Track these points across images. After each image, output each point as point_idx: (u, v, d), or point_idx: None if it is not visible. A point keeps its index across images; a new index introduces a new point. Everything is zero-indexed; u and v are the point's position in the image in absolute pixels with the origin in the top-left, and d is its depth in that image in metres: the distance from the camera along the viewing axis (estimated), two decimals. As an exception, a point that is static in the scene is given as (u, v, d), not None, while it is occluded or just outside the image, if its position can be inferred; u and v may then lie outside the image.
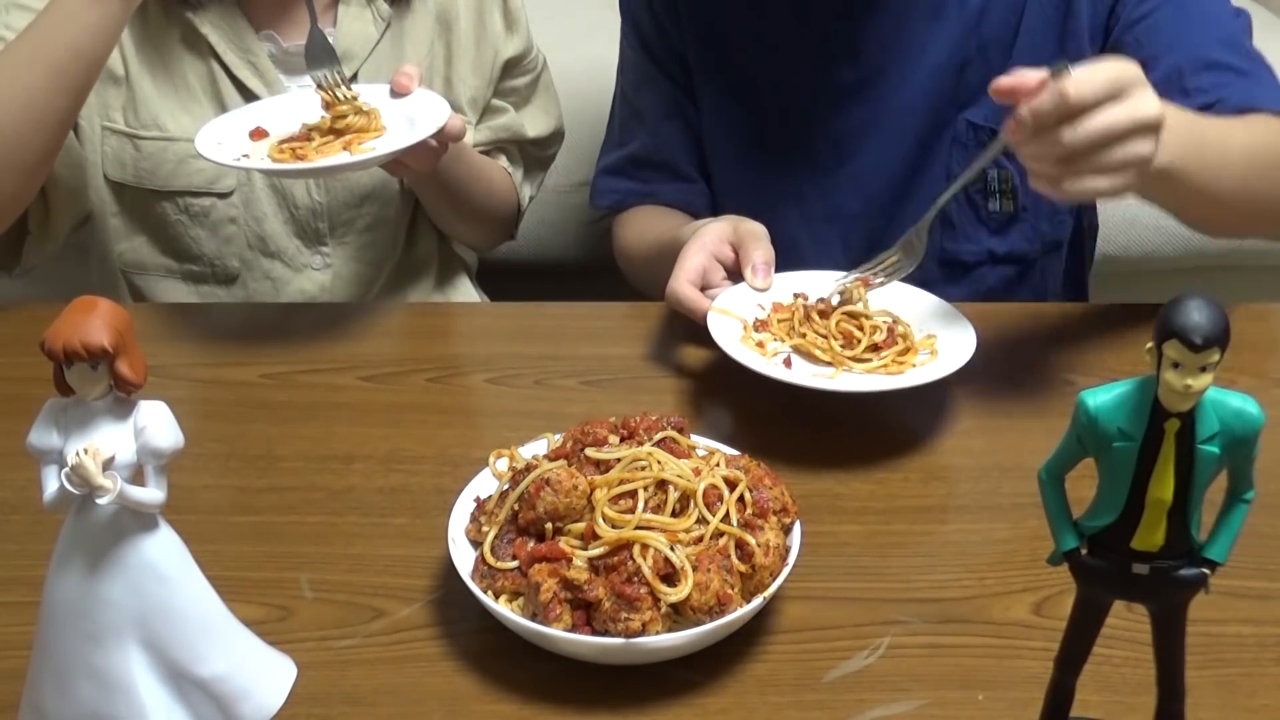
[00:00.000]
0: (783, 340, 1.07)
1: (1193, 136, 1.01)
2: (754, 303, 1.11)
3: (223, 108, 1.30)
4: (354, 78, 1.31)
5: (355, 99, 1.18)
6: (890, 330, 1.07)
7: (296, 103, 1.23)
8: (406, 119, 1.18)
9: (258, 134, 1.18)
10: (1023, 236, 1.32)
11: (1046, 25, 1.26)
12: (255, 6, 1.31)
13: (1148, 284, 1.87)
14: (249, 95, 1.30)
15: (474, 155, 1.38)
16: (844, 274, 1.13)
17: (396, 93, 1.20)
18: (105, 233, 1.35)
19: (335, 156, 1.13)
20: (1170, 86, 1.18)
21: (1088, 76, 0.88)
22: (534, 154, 1.50)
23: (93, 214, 1.35)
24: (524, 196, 1.49)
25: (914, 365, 1.04)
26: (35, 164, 1.16)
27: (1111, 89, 0.89)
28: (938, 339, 1.07)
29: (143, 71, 1.29)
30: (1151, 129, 0.90)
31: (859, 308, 1.09)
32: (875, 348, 1.05)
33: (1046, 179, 0.93)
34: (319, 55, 1.20)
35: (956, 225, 1.32)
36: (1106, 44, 1.25)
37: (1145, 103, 0.90)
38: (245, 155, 1.14)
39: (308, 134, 1.17)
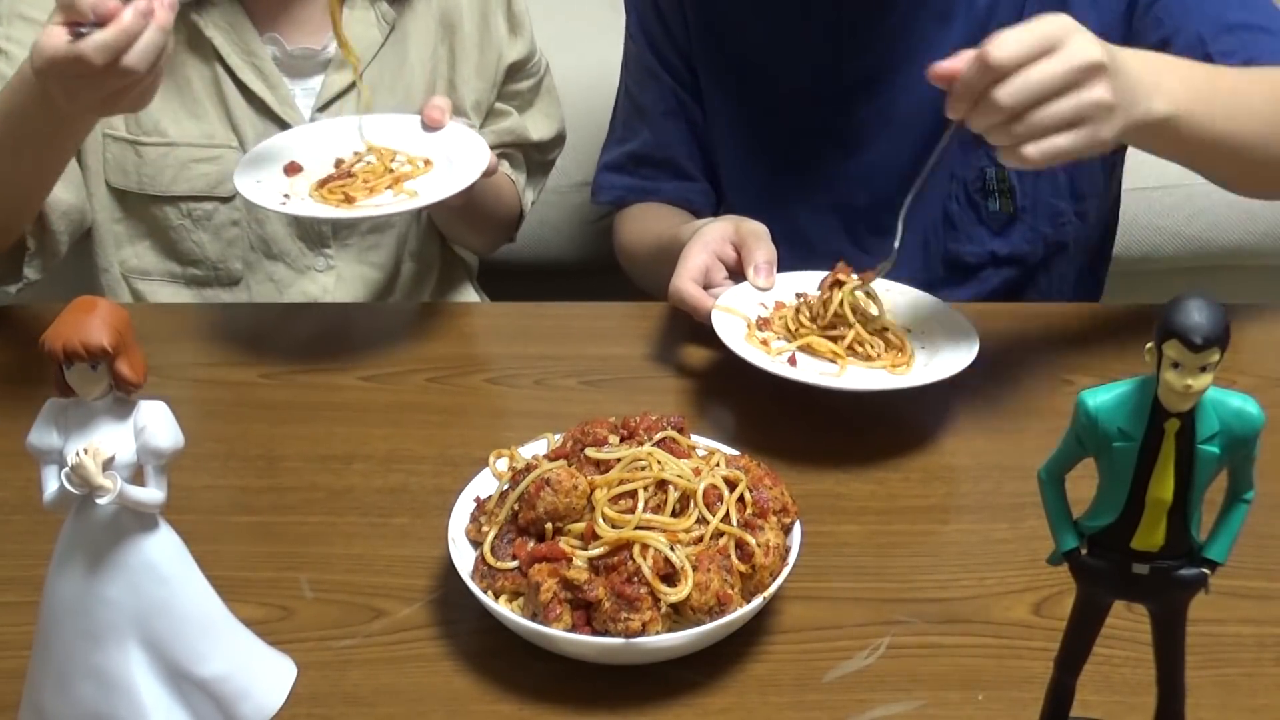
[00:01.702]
0: (787, 340, 1.07)
1: (1201, 84, 0.99)
2: (756, 302, 1.11)
3: (226, 111, 1.30)
4: (358, 80, 1.31)
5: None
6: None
7: (320, 134, 1.23)
8: (445, 158, 1.19)
9: (292, 169, 1.19)
10: (1023, 238, 1.32)
11: None
12: (259, 7, 1.31)
13: (1148, 284, 1.87)
14: (252, 98, 1.30)
15: None
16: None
17: (429, 127, 1.21)
18: (108, 241, 1.35)
19: (385, 203, 1.14)
20: (1195, 56, 1.14)
21: (1008, 36, 0.88)
22: (537, 158, 1.49)
23: (95, 223, 1.34)
24: (526, 202, 1.49)
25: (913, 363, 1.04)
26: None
27: (1040, 45, 0.88)
28: (938, 340, 1.07)
29: None
30: (1094, 72, 0.89)
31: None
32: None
33: (1009, 151, 0.91)
34: None
35: (959, 226, 1.31)
36: (1129, 32, 1.22)
37: (1079, 49, 0.88)
38: (286, 196, 1.15)
39: (348, 170, 1.18)
